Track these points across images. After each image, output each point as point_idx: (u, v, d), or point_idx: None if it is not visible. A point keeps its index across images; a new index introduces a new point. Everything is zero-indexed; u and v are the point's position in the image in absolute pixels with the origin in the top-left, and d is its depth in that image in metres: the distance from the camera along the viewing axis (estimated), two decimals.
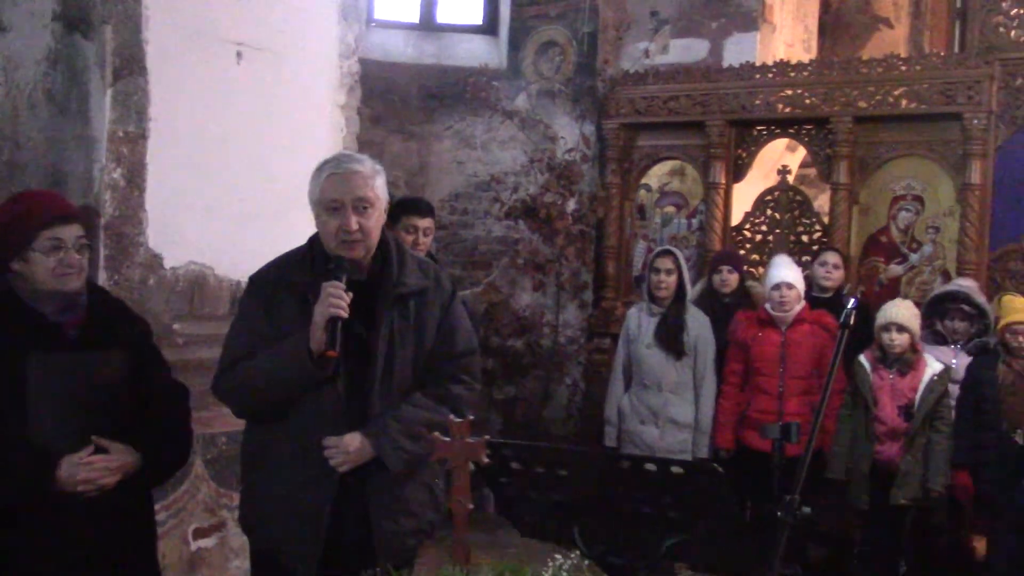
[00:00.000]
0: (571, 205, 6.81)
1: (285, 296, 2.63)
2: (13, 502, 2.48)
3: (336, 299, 2.49)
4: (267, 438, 2.67)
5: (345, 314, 2.49)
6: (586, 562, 2.16)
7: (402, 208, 4.64)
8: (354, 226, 2.56)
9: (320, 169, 2.66)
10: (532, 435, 6.93)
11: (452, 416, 2.16)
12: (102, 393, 2.60)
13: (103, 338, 2.63)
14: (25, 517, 2.49)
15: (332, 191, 2.59)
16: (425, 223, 4.60)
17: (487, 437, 2.14)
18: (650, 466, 2.27)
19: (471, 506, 2.10)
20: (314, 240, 2.69)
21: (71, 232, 2.58)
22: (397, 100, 7.16)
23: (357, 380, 2.60)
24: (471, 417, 2.17)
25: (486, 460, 2.12)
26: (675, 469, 2.25)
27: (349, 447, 2.56)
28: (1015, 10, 5.67)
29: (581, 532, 2.39)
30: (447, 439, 2.12)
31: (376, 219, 2.63)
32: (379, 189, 2.65)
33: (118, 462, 2.57)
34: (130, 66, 3.54)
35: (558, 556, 2.08)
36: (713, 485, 2.26)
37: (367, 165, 2.66)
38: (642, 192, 6.79)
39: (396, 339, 2.63)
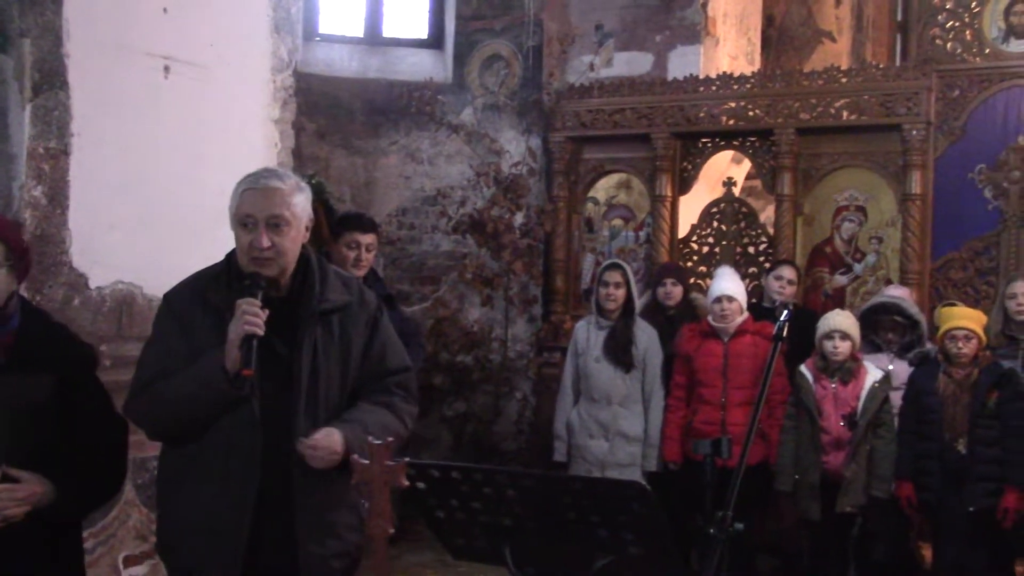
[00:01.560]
0: (519, 219, 6.78)
1: (201, 314, 2.55)
2: None
3: (251, 316, 2.41)
4: (182, 460, 2.59)
5: (260, 331, 2.41)
6: None
7: (344, 224, 4.58)
8: (266, 243, 2.49)
9: (239, 184, 2.59)
10: (483, 451, 6.87)
11: (371, 439, 2.10)
12: (23, 418, 2.49)
13: (31, 362, 2.52)
14: None
15: (247, 206, 2.52)
16: (368, 239, 4.54)
17: (407, 459, 2.07)
18: (578, 484, 2.23)
19: (391, 530, 2.04)
20: (231, 257, 2.61)
21: None
22: (342, 115, 7.09)
23: (277, 399, 2.52)
24: (390, 439, 2.10)
25: (406, 483, 2.06)
26: (602, 488, 2.21)
27: (335, 446, 2.44)
28: (951, 22, 5.76)
29: (512, 553, 2.34)
30: (365, 461, 2.06)
31: (292, 237, 2.55)
32: (297, 207, 2.56)
33: (24, 492, 2.46)
34: (50, 80, 3.44)
35: None
36: (642, 503, 2.22)
37: (288, 182, 2.58)
38: (589, 205, 6.78)
39: (320, 356, 2.56)
